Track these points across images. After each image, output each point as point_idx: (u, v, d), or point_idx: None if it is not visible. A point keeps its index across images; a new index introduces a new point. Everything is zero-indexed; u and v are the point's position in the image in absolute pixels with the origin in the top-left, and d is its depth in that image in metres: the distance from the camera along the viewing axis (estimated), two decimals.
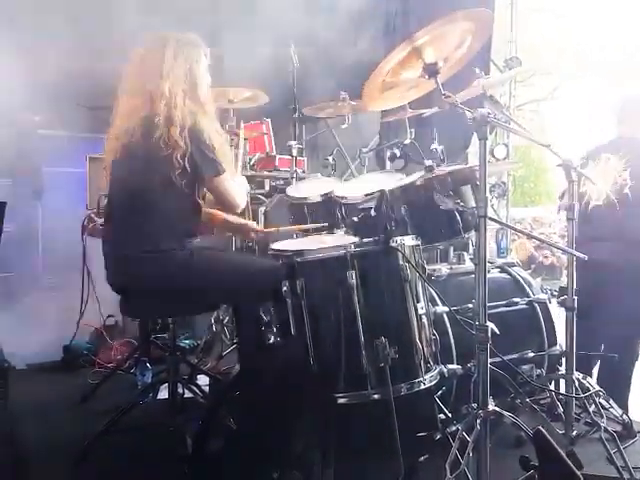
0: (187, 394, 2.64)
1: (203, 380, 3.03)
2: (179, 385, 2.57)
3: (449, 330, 2.39)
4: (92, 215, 3.20)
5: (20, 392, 2.84)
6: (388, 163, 3.30)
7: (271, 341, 2.46)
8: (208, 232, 2.87)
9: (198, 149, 2.14)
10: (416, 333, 2.15)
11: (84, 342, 3.74)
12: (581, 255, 2.23)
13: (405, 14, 4.97)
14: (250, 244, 3.37)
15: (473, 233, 2.30)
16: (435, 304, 2.35)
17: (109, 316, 3.79)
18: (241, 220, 2.60)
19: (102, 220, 3.09)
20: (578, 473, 1.65)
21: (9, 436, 2.49)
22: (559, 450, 1.66)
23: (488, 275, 1.95)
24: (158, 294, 2.17)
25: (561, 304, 2.51)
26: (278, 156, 3.95)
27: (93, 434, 2.42)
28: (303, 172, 3.90)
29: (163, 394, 2.73)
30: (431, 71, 2.14)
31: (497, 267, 2.88)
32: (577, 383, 2.49)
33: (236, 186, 2.35)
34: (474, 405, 1.97)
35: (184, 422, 2.41)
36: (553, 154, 2.35)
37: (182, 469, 2.16)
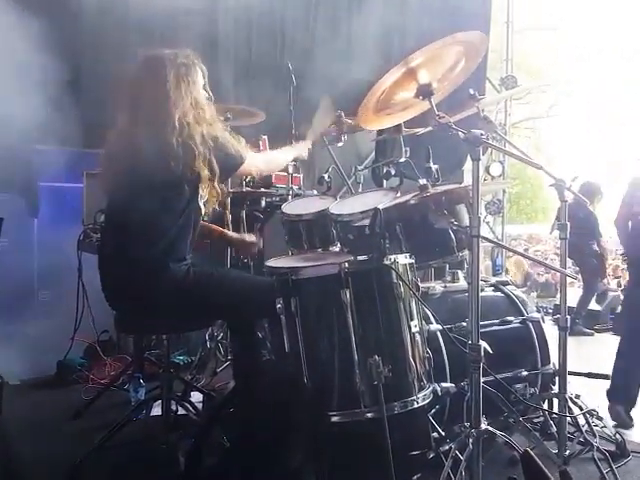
0: (180, 411, 2.63)
1: (196, 397, 3.03)
2: (172, 402, 2.56)
3: (443, 348, 2.39)
4: (88, 231, 3.21)
5: (13, 408, 2.83)
6: (384, 181, 3.32)
7: (265, 358, 2.46)
8: (204, 248, 2.88)
9: (225, 161, 2.23)
10: (410, 351, 2.15)
11: (78, 357, 3.73)
12: (572, 275, 2.25)
13: (402, 35, 5.04)
14: (245, 260, 3.38)
15: (467, 252, 2.32)
16: (429, 322, 2.35)
17: (103, 332, 3.79)
18: (236, 234, 2.63)
19: (98, 236, 3.11)
20: None
21: (2, 452, 2.47)
22: (546, 472, 1.66)
23: (482, 293, 1.96)
24: (153, 310, 2.17)
25: (555, 322, 2.53)
26: (274, 173, 3.97)
27: (86, 450, 2.41)
28: (299, 189, 3.92)
29: (156, 411, 2.72)
30: (425, 92, 2.17)
31: (491, 285, 2.89)
32: (570, 402, 2.49)
33: (257, 156, 2.56)
34: (467, 424, 1.97)
35: (177, 439, 2.41)
36: (546, 174, 2.37)
37: None
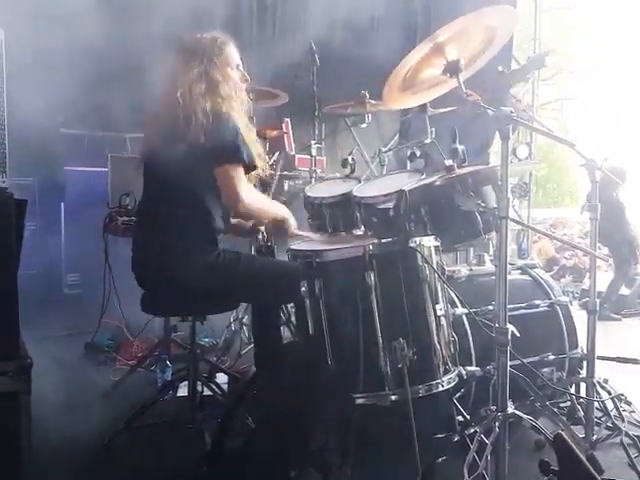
0: (206, 392, 2.65)
1: (222, 378, 3.04)
2: (198, 383, 2.58)
3: (468, 332, 2.37)
4: (113, 214, 3.24)
5: (41, 388, 2.87)
6: (408, 163, 3.27)
7: (289, 341, 2.46)
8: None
9: (217, 133, 2.14)
10: (435, 334, 2.14)
11: (105, 339, 3.78)
12: (603, 257, 2.20)
13: (426, 12, 4.95)
14: (269, 244, 3.38)
15: (494, 234, 2.28)
16: (454, 306, 2.33)
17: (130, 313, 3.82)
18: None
19: (123, 219, 3.14)
20: (599, 478, 1.63)
21: (32, 432, 2.52)
22: (580, 455, 1.64)
23: (509, 277, 1.93)
24: (181, 292, 2.18)
25: (583, 306, 2.48)
26: (297, 155, 3.96)
27: (113, 430, 2.45)
28: (322, 172, 3.89)
29: (182, 391, 2.75)
30: (453, 69, 2.12)
31: (518, 268, 2.85)
32: (598, 387, 2.46)
33: (246, 184, 2.24)
34: (493, 407, 1.95)
35: (203, 419, 2.43)
36: (577, 154, 2.32)
37: (201, 466, 2.18)
